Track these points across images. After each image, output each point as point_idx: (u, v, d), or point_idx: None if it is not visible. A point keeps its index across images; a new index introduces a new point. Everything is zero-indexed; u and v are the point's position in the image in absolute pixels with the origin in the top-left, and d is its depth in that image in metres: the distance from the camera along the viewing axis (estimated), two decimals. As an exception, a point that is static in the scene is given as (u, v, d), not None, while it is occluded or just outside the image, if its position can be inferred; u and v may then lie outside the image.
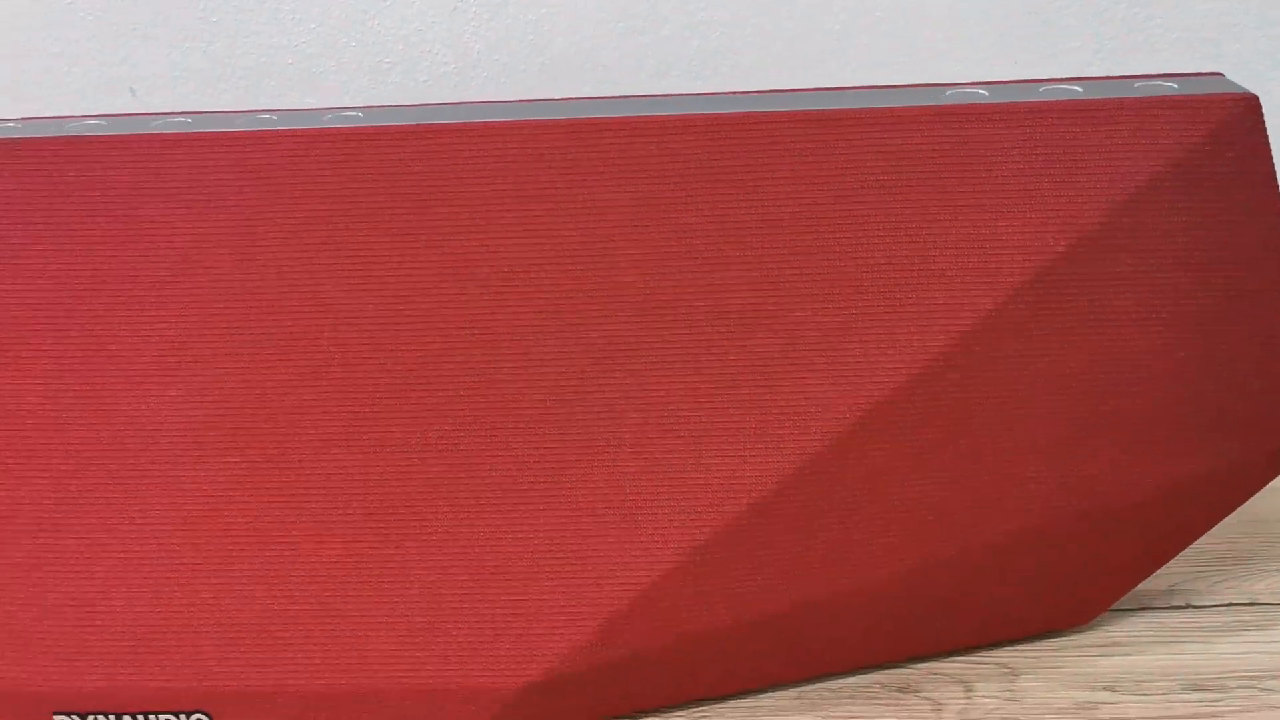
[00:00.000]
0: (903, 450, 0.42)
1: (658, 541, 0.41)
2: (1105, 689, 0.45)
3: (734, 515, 0.41)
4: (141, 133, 0.42)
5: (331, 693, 0.42)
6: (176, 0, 0.65)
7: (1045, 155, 0.40)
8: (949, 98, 0.41)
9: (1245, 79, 0.44)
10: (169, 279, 0.41)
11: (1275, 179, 0.41)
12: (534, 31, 0.62)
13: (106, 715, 0.43)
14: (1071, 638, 0.48)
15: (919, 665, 0.47)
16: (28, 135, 0.43)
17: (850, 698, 0.45)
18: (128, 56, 0.67)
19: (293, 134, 0.41)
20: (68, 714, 0.43)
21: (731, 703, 0.45)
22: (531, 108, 0.43)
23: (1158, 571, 0.48)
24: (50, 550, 0.42)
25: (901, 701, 0.45)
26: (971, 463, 0.42)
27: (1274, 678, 0.45)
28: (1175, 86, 0.41)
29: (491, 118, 0.41)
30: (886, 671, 0.46)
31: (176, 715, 0.43)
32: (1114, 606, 0.48)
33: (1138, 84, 0.42)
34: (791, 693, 0.45)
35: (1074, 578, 0.46)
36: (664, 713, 0.45)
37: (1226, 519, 0.47)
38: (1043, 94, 0.41)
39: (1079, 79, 0.42)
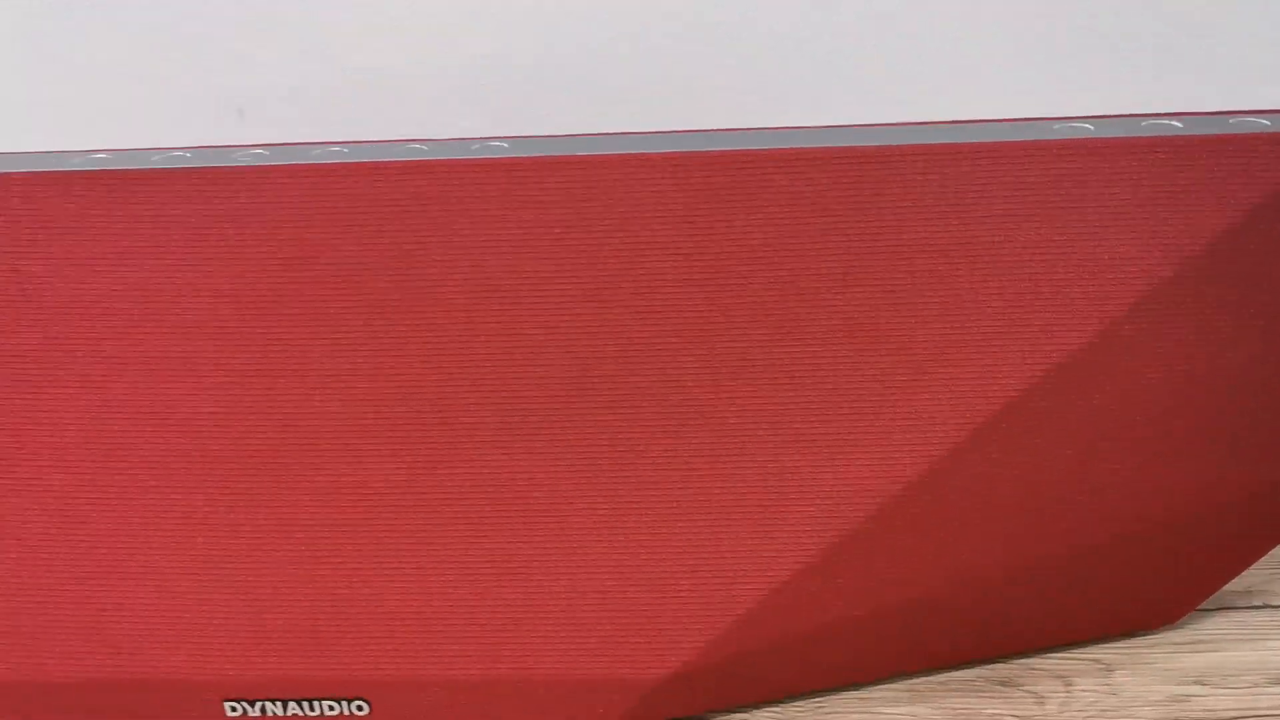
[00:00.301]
0: (1011, 459, 0.45)
1: (787, 542, 0.44)
2: (1195, 683, 0.48)
3: (857, 518, 0.44)
4: (305, 162, 0.46)
5: (481, 682, 0.45)
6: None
7: (1150, 187, 0.43)
8: (1057, 131, 0.44)
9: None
10: (334, 297, 0.45)
11: None
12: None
13: (273, 702, 0.46)
14: (1161, 636, 0.51)
15: (1017, 661, 0.50)
16: (199, 165, 0.46)
17: (957, 690, 0.48)
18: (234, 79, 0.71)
19: (447, 164, 0.45)
20: (237, 701, 0.46)
21: (845, 694, 0.48)
22: (681, 139, 0.46)
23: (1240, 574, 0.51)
24: (222, 548, 0.45)
25: (1005, 694, 0.48)
26: (1073, 470, 0.45)
27: (1355, 673, 0.48)
28: (1267, 123, 0.44)
29: (638, 149, 0.44)
30: (988, 666, 0.49)
31: (338, 702, 0.46)
32: (1199, 607, 0.51)
33: (1232, 120, 0.45)
34: (902, 685, 0.49)
35: (1163, 579, 0.50)
36: (783, 703, 0.48)
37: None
38: (1144, 128, 0.44)
39: (1178, 114, 0.45)
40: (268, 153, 0.47)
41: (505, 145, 0.46)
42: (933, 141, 0.43)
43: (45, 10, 0.69)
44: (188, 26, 0.69)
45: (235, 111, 0.72)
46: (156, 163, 0.46)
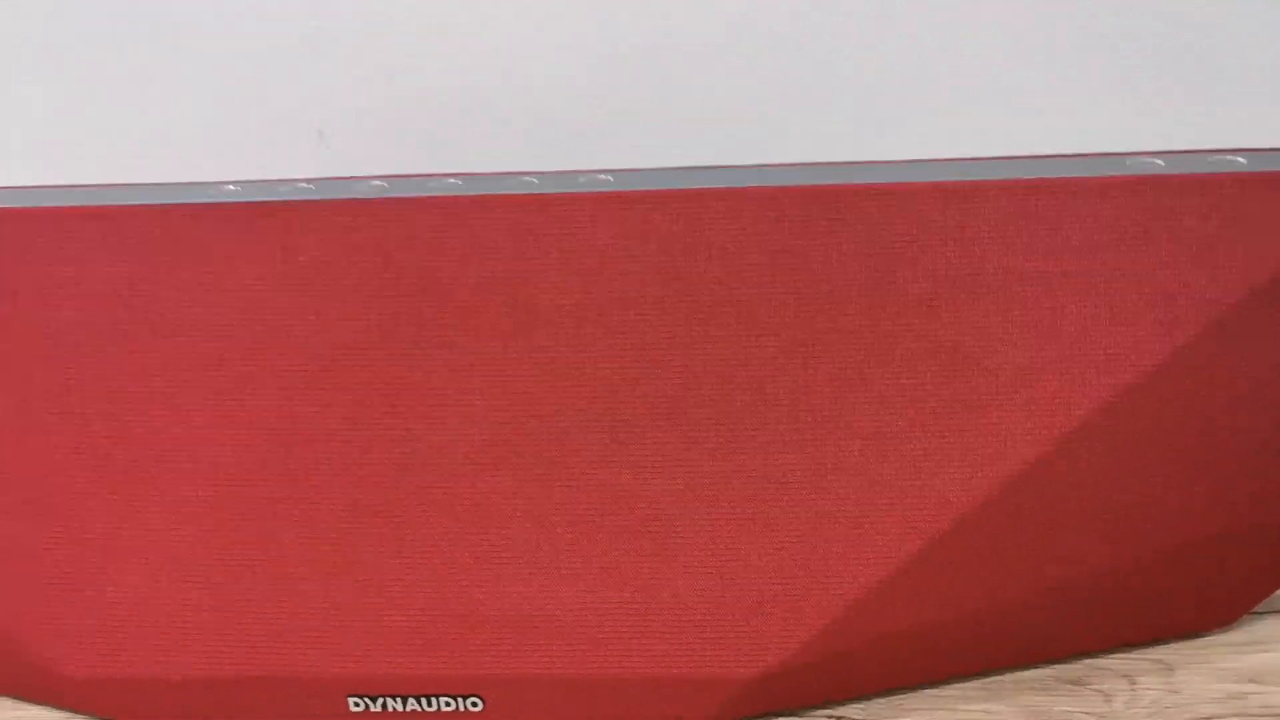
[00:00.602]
0: (1083, 476, 0.48)
1: (875, 550, 0.47)
2: (1251, 681, 0.51)
3: (940, 528, 0.48)
4: (422, 195, 0.49)
5: (586, 680, 0.49)
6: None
7: (1219, 219, 0.46)
8: (1129, 167, 0.47)
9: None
10: (452, 323, 0.48)
11: None
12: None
13: (393, 698, 0.49)
14: (1217, 637, 0.54)
15: (1084, 660, 0.53)
16: (321, 197, 0.50)
17: (1030, 688, 0.51)
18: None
19: (558, 198, 0.48)
20: (360, 697, 0.49)
21: (924, 691, 0.51)
22: (774, 173, 0.49)
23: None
24: (345, 554, 0.49)
25: (1074, 692, 0.51)
26: (1140, 485, 0.49)
27: (1401, 672, 0.51)
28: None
29: (735, 183, 0.48)
30: (1057, 666, 0.52)
31: (454, 698, 0.49)
32: (1253, 610, 0.55)
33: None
34: (976, 683, 0.52)
35: (1219, 585, 0.53)
36: (865, 700, 0.51)
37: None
38: (1211, 164, 0.47)
39: (1242, 150, 0.48)
40: (386, 184, 0.50)
41: (610, 179, 0.50)
42: (1013, 177, 0.47)
43: (167, 44, 0.72)
44: (303, 61, 0.73)
45: (315, 133, 0.76)
46: (283, 194, 0.50)
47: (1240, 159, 0.48)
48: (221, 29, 0.73)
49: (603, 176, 0.50)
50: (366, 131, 0.74)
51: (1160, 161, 0.48)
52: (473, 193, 0.49)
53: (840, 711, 0.50)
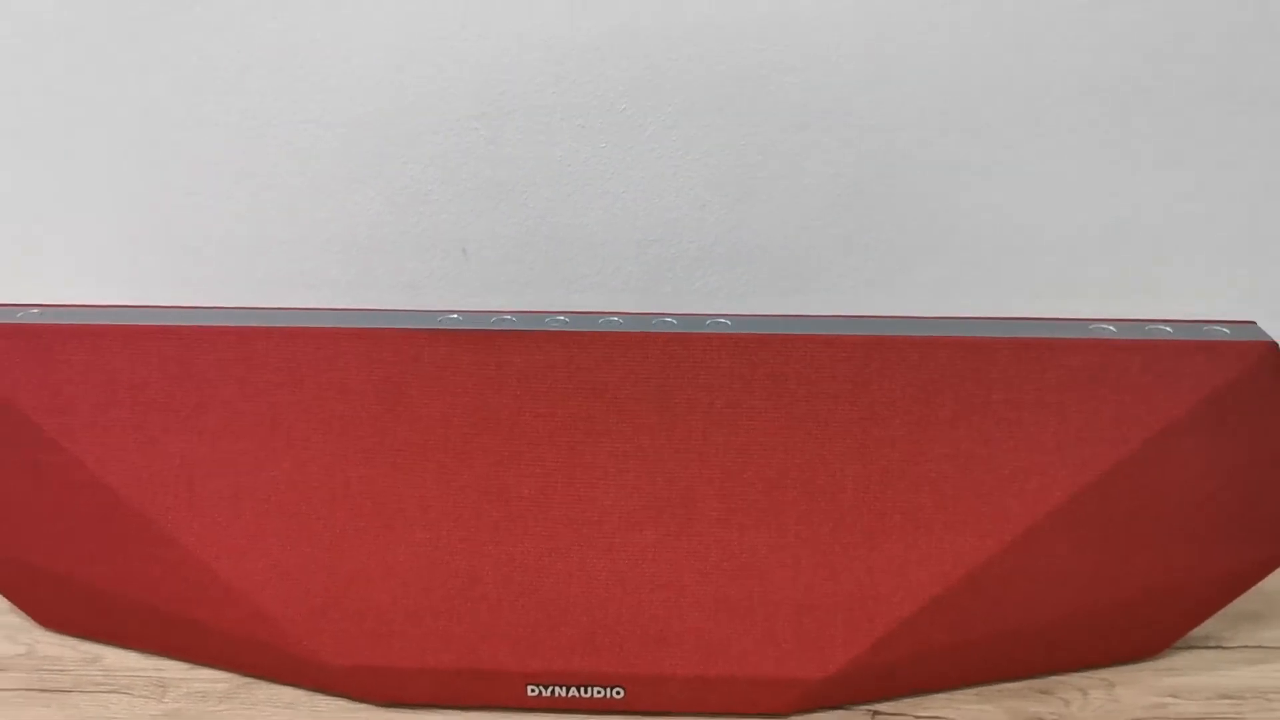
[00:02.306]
0: (1058, 542, 0.68)
1: (935, 568, 0.67)
2: (1170, 695, 0.71)
3: (956, 577, 0.67)
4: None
5: (702, 677, 0.68)
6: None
7: (1152, 370, 0.66)
8: (1091, 331, 0.68)
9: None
10: (616, 421, 0.67)
11: None
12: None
13: (560, 687, 0.68)
14: (1147, 664, 0.74)
15: (1051, 677, 0.72)
16: (522, 328, 0.69)
17: (1011, 695, 0.71)
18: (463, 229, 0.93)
19: (695, 336, 0.67)
20: (536, 685, 0.68)
21: (936, 695, 0.71)
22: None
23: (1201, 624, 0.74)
24: (531, 581, 0.68)
25: (1043, 699, 0.71)
26: (1096, 551, 0.68)
27: (1277, 694, 0.71)
28: (1227, 331, 0.68)
29: (827, 330, 0.67)
30: (1031, 680, 0.72)
31: (604, 689, 0.68)
32: (1173, 645, 0.74)
33: (1206, 327, 0.68)
34: (972, 690, 0.71)
35: (1148, 626, 0.73)
36: (897, 699, 0.71)
37: (1248, 591, 0.73)
38: (1148, 331, 0.68)
39: (1169, 320, 0.69)
40: (568, 319, 0.70)
41: (728, 322, 0.69)
42: (1015, 336, 0.67)
43: (323, 181, 0.92)
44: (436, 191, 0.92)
45: (459, 250, 0.95)
46: (493, 324, 0.69)
47: (1168, 328, 0.68)
48: (386, 162, 0.92)
49: (723, 320, 0.70)
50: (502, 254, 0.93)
51: (1112, 328, 0.68)
52: (630, 329, 0.68)
53: (876, 707, 0.70)
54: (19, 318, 0.70)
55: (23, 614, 0.77)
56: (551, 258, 0.93)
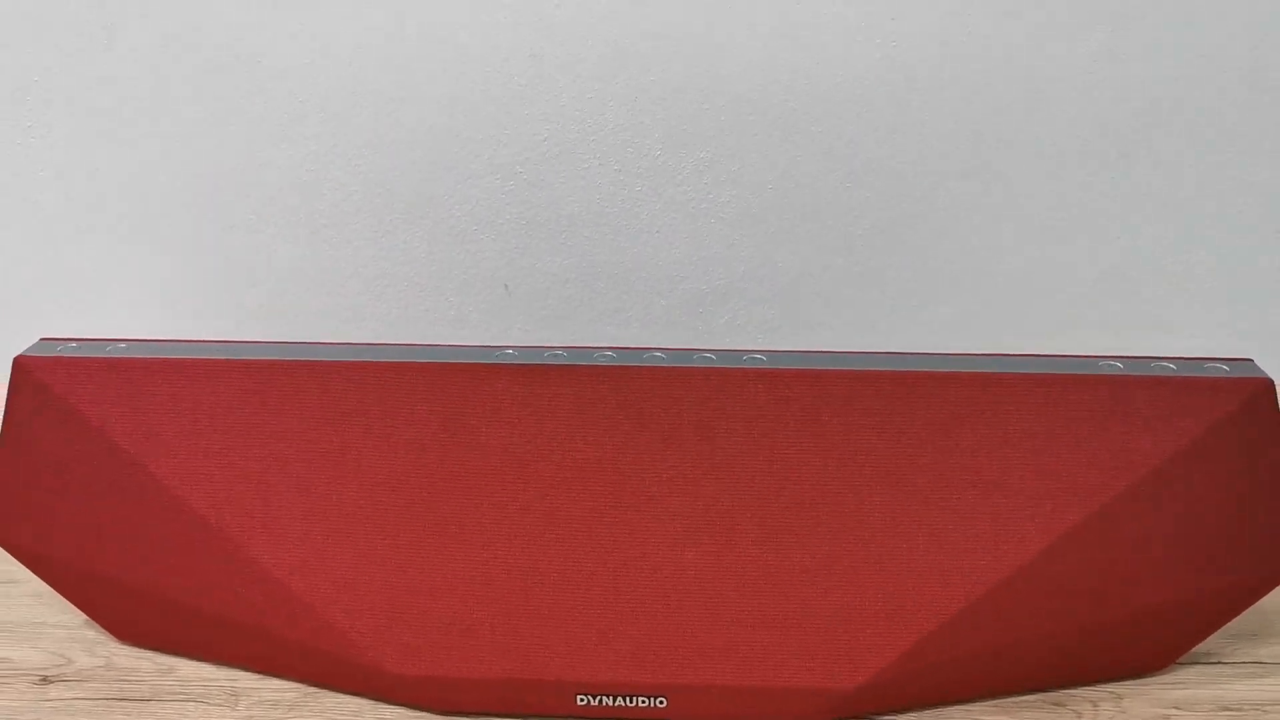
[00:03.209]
0: (1069, 565, 0.73)
1: (957, 586, 0.72)
2: (1174, 707, 0.76)
3: (975, 595, 0.73)
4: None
5: (738, 687, 0.73)
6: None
7: (1158, 408, 0.72)
8: (1100, 368, 0.73)
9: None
10: (660, 449, 0.73)
11: None
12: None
13: (608, 696, 0.73)
14: (1153, 678, 0.79)
15: (1063, 690, 0.77)
16: (571, 363, 0.75)
17: (1026, 706, 0.76)
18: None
19: (732, 371, 0.73)
20: (585, 694, 0.74)
21: (955, 707, 0.76)
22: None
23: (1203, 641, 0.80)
24: (583, 598, 0.73)
25: (1056, 711, 0.76)
26: (1103, 571, 0.74)
27: (1274, 705, 0.76)
28: (1226, 369, 0.73)
29: (860, 366, 0.73)
30: (1046, 694, 0.77)
31: (648, 698, 0.73)
32: (1178, 660, 0.80)
33: (1207, 364, 0.74)
34: (990, 703, 0.76)
35: (1154, 643, 0.78)
36: (919, 710, 0.76)
37: (1246, 610, 0.78)
38: (1153, 368, 0.73)
39: (1174, 358, 0.74)
40: (565, 354, 0.75)
41: (764, 358, 0.75)
42: (1024, 371, 0.72)
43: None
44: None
45: (502, 286, 1.01)
46: (545, 358, 0.75)
47: (1172, 365, 0.74)
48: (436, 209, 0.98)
49: (759, 355, 0.75)
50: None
51: (1120, 364, 0.74)
52: (673, 364, 0.74)
53: (901, 718, 0.75)
54: (108, 351, 0.76)
55: (99, 628, 0.82)
56: (589, 293, 0.98)
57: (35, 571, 0.79)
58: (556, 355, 0.75)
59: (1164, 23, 0.90)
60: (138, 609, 0.78)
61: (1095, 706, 0.76)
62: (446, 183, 0.96)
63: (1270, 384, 0.72)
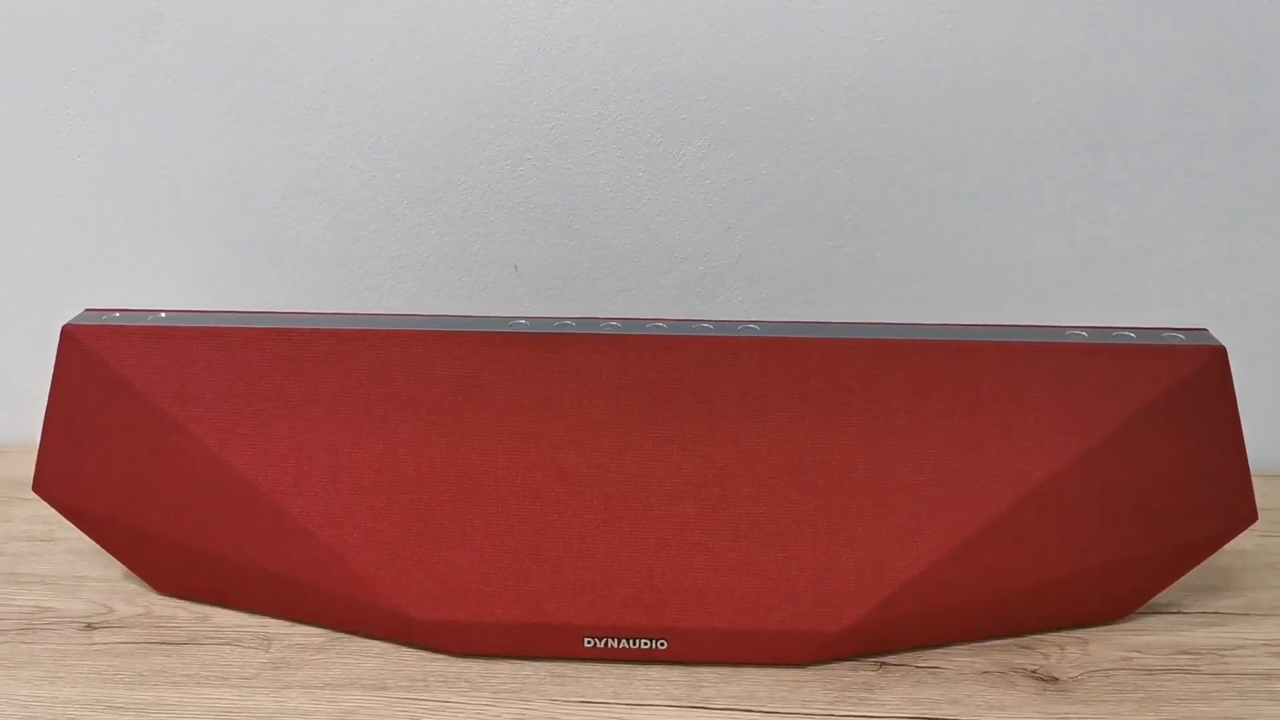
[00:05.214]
0: (1042, 523, 0.79)
1: (932, 538, 0.78)
2: (1135, 651, 0.82)
3: (954, 544, 0.78)
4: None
5: (732, 630, 0.79)
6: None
7: (1118, 374, 0.78)
8: (1066, 336, 0.80)
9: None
10: (660, 412, 0.79)
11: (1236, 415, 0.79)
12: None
13: (613, 638, 0.79)
14: (1115, 625, 0.85)
15: (1033, 635, 0.83)
16: (581, 332, 0.81)
17: (998, 649, 0.82)
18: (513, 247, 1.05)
19: (729, 340, 0.79)
20: (591, 637, 0.79)
21: (934, 649, 0.82)
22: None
23: (1162, 591, 0.86)
24: (588, 548, 0.79)
25: (1026, 653, 0.82)
26: (1071, 529, 0.80)
27: (1229, 650, 0.82)
28: (1182, 337, 0.79)
29: (845, 335, 0.79)
30: (1017, 638, 0.83)
31: (649, 639, 0.79)
32: (1138, 610, 0.86)
33: (1165, 334, 0.80)
34: (965, 646, 0.82)
35: (1117, 593, 0.84)
36: (900, 652, 0.82)
37: (1204, 563, 0.84)
38: (1114, 337, 0.80)
39: (1133, 327, 0.80)
40: (574, 324, 0.81)
41: (757, 328, 0.81)
42: (994, 340, 0.79)
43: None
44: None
45: (512, 266, 1.07)
46: (556, 327, 0.81)
47: (1132, 334, 0.80)
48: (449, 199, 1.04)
49: (753, 325, 0.81)
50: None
51: (1084, 333, 0.80)
52: (673, 333, 0.80)
53: (883, 659, 0.81)
54: (149, 320, 0.82)
55: (139, 580, 0.88)
56: (594, 272, 1.04)
57: (80, 526, 0.85)
58: (566, 325, 0.82)
59: (1132, 23, 0.96)
60: (176, 561, 0.84)
61: (1062, 650, 0.82)
62: (459, 169, 1.02)
63: (1222, 351, 0.79)
